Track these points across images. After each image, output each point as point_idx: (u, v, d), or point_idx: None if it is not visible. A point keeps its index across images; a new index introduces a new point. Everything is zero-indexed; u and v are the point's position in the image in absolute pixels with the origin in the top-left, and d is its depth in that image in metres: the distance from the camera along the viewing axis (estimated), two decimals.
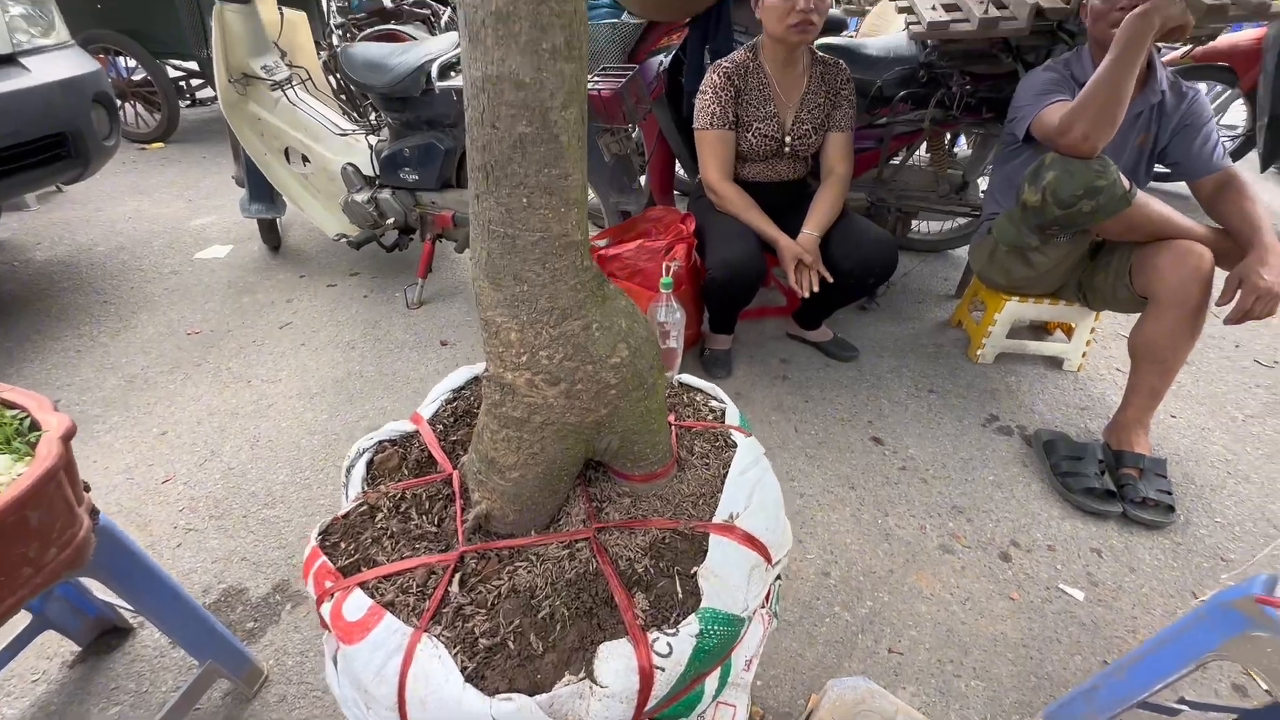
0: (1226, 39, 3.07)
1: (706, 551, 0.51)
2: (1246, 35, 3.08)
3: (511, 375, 0.51)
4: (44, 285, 2.46)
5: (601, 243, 1.95)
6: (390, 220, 2.25)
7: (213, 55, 2.06)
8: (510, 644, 0.45)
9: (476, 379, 0.76)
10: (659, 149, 2.40)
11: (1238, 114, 3.77)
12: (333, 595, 0.48)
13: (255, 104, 2.20)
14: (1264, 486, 1.63)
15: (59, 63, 2.04)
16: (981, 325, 2.05)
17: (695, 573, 0.49)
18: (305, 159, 2.30)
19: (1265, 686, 0.76)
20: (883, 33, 2.70)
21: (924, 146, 2.41)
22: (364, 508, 0.57)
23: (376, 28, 2.52)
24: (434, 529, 0.55)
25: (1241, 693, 1.16)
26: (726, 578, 0.49)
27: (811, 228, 1.79)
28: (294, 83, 2.24)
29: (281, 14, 2.26)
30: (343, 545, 0.52)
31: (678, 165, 2.54)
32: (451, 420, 0.69)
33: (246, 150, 2.24)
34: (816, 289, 1.73)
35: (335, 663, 0.51)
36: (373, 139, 2.22)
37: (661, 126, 2.31)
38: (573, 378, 0.49)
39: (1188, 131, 1.62)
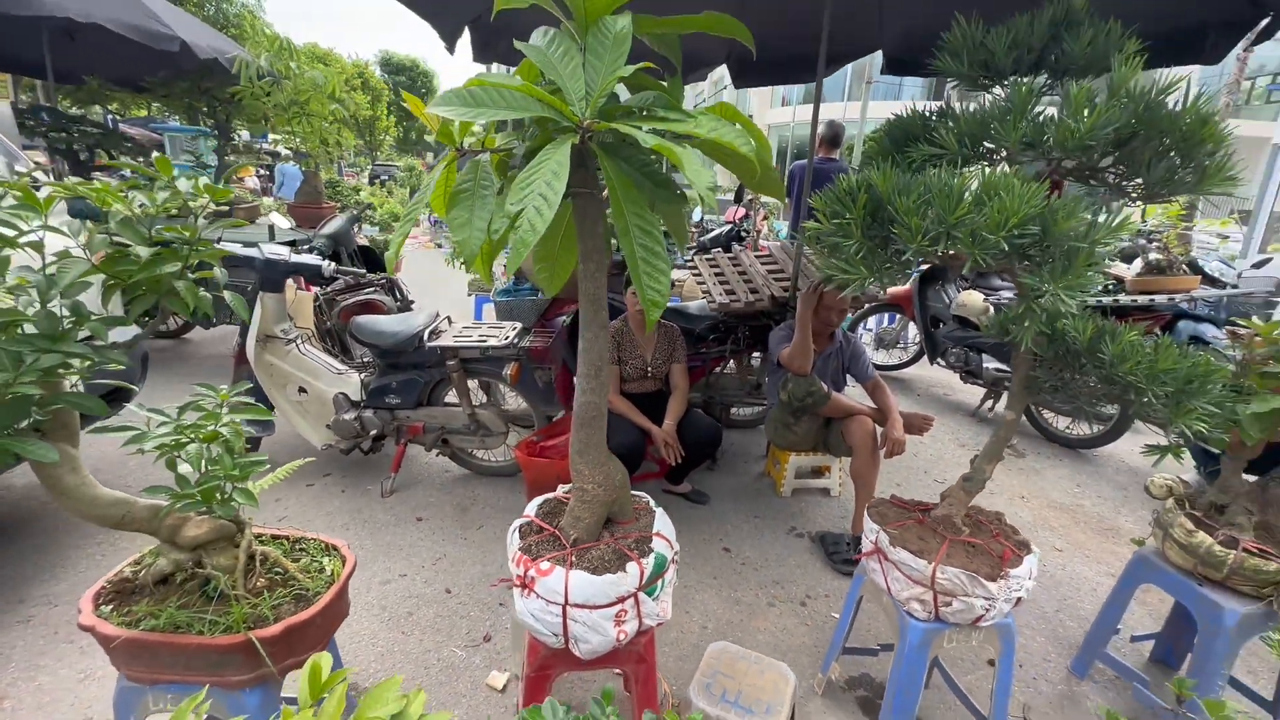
0: (893, 290, 5.11)
1: (652, 540, 1.48)
2: (904, 288, 5.14)
3: (585, 484, 1.47)
4: (34, 507, 2.85)
5: (536, 438, 2.95)
6: (372, 432, 3.08)
7: (251, 325, 2.93)
8: (598, 567, 1.36)
9: (545, 500, 1.68)
10: (562, 373, 3.56)
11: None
12: (531, 565, 1.36)
13: (270, 355, 3.04)
14: None
15: (125, 335, 2.78)
16: (780, 472, 3.27)
17: (650, 547, 1.45)
18: (302, 390, 3.11)
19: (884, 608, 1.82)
20: (696, 297, 4.27)
21: (732, 364, 3.82)
22: (524, 545, 1.46)
23: (355, 298, 3.54)
24: (553, 546, 1.46)
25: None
26: (660, 547, 1.45)
27: (670, 420, 2.95)
28: (300, 339, 3.13)
29: (297, 294, 3.22)
30: (524, 554, 1.41)
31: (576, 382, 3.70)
32: (545, 513, 1.61)
33: (262, 386, 3.01)
34: (678, 459, 2.84)
35: (523, 597, 1.37)
36: (361, 375, 3.12)
37: (565, 359, 3.49)
38: (606, 484, 1.47)
39: (855, 359, 3.10)
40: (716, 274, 3.68)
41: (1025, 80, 1.25)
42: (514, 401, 3.61)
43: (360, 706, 0.90)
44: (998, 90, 1.47)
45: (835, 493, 3.32)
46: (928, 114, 1.51)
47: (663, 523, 1.58)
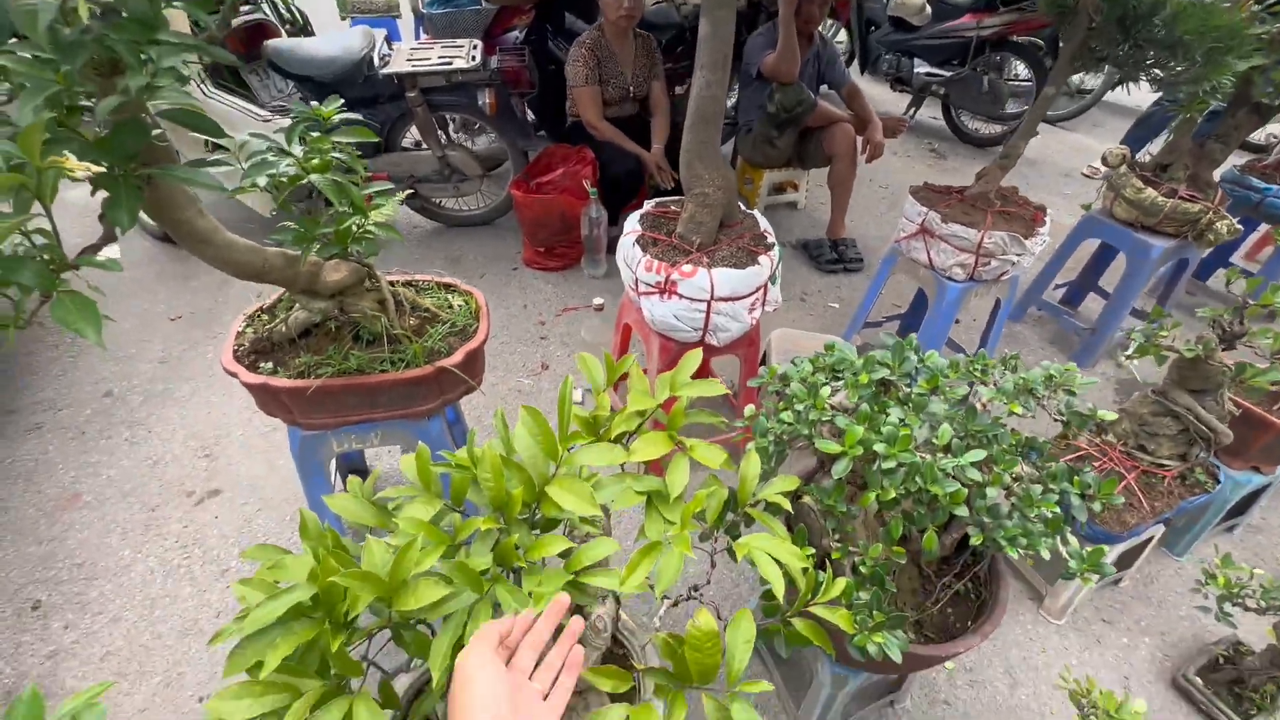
0: None
1: (765, 235, 1.59)
2: None
3: (705, 189, 1.47)
4: None
5: (525, 176, 2.75)
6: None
7: None
8: (735, 264, 1.47)
9: (643, 216, 1.66)
10: (541, 97, 3.17)
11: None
12: (673, 270, 1.43)
13: None
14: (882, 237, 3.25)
15: None
16: (753, 191, 3.38)
17: (769, 241, 1.56)
18: (216, 145, 2.57)
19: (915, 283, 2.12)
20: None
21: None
22: (654, 254, 1.51)
23: (241, 19, 2.73)
24: (678, 254, 1.52)
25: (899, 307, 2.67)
26: (773, 240, 1.58)
27: (657, 142, 2.84)
28: (197, 79, 2.47)
29: None
30: (661, 260, 1.47)
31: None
32: (649, 226, 1.63)
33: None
34: (673, 182, 2.82)
35: (662, 300, 1.47)
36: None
37: (538, 81, 3.08)
38: (725, 186, 1.47)
39: (831, 64, 3.03)
40: None
41: None
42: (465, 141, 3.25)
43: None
44: None
45: (802, 205, 3.53)
46: None
47: (764, 221, 1.66)
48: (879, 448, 0.81)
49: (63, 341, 2.30)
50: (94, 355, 2.24)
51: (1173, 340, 1.35)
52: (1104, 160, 2.38)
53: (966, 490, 0.81)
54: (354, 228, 1.16)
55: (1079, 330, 2.53)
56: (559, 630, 0.60)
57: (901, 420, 0.86)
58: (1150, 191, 2.16)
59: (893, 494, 0.80)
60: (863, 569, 0.85)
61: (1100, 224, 2.34)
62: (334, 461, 1.59)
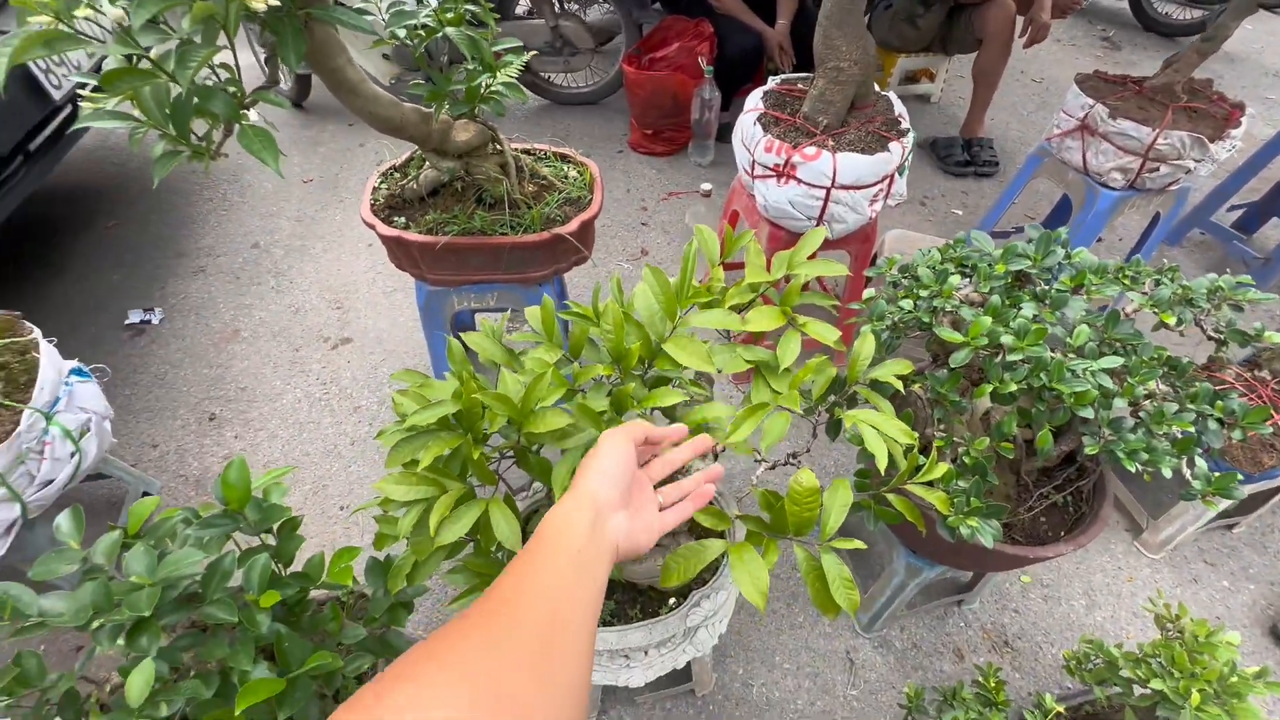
0: None
1: (899, 120, 1.48)
2: None
3: (841, 62, 1.37)
4: (137, 187, 2.65)
5: (637, 51, 2.63)
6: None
7: None
8: (863, 149, 1.40)
9: (766, 94, 1.58)
10: None
11: None
12: (794, 152, 1.38)
13: None
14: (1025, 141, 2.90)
15: None
16: (883, 79, 3.06)
17: (903, 127, 1.46)
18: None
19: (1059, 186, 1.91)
20: None
21: None
22: (775, 134, 1.45)
23: None
24: (801, 135, 1.45)
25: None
26: (907, 126, 1.48)
27: (783, 18, 2.60)
28: None
29: None
30: (782, 141, 1.43)
31: None
32: (772, 104, 1.55)
33: None
34: (791, 67, 2.60)
35: (780, 185, 1.43)
36: None
37: None
38: (862, 61, 1.37)
39: None
40: None
41: None
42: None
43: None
44: None
45: (936, 98, 3.18)
46: None
47: (900, 104, 1.53)
48: (1006, 339, 0.78)
49: (215, 195, 2.54)
50: (242, 210, 2.47)
51: None
52: None
53: (1096, 394, 0.77)
54: (482, 86, 1.18)
55: (1248, 259, 2.22)
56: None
57: (1035, 316, 0.81)
58: None
59: (1012, 387, 0.78)
60: (966, 459, 0.85)
61: None
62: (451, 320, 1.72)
